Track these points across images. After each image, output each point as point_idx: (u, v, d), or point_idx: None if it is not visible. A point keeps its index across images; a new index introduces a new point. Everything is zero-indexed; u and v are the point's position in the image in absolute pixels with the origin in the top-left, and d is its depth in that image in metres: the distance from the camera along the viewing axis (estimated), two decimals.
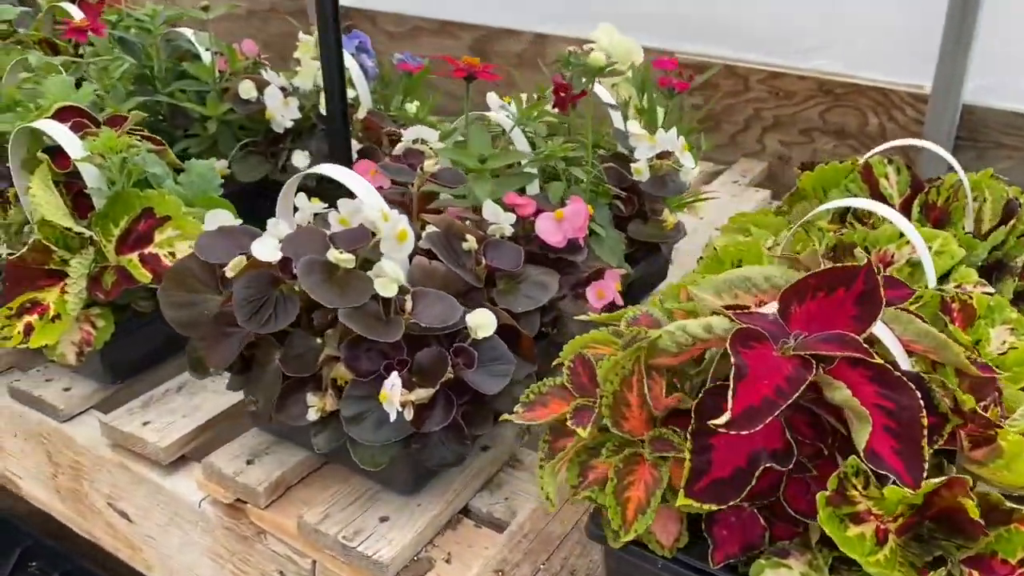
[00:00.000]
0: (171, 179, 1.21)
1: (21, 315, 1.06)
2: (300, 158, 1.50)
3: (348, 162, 1.37)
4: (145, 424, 1.11)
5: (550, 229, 1.01)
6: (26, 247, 1.07)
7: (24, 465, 1.27)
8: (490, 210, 1.00)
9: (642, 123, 1.35)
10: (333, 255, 0.87)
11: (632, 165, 1.22)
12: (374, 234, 0.91)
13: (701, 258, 1.24)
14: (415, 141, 1.02)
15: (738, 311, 0.70)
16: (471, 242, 0.97)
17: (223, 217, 1.01)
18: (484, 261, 0.97)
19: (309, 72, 1.51)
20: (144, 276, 1.10)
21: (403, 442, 0.88)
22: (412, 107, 1.27)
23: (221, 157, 1.67)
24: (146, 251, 1.12)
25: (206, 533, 1.06)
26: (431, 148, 1.02)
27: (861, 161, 1.18)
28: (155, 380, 1.22)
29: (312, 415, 0.90)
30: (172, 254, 1.12)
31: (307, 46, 1.51)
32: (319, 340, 0.92)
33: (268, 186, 1.60)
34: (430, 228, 0.98)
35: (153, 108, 1.71)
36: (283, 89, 1.53)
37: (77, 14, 1.77)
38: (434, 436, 0.89)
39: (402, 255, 0.89)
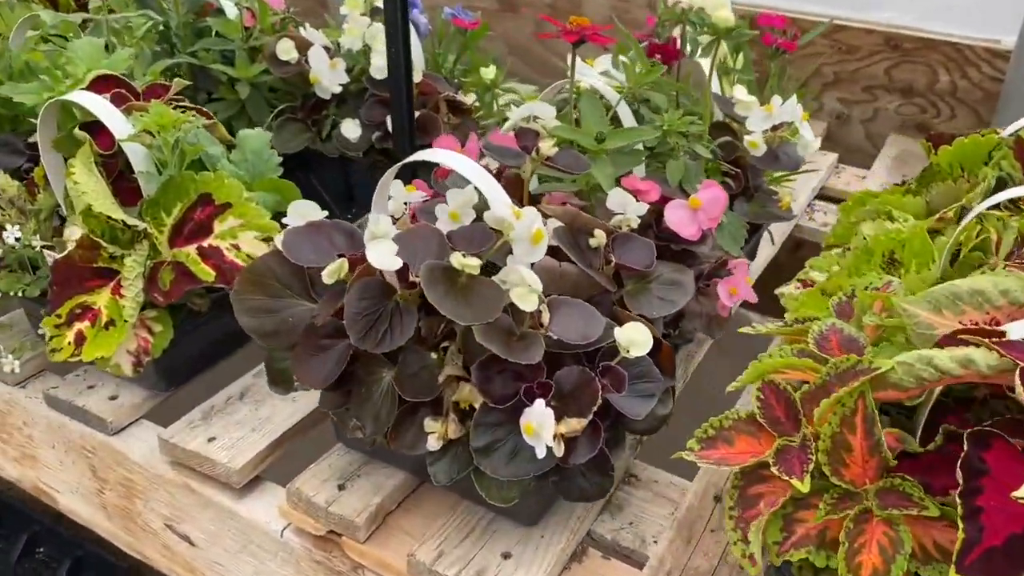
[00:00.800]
0: (225, 158, 1.06)
1: (71, 323, 0.92)
2: (351, 127, 1.35)
3: (412, 134, 1.22)
4: (211, 441, 0.98)
5: (683, 220, 0.88)
6: (74, 244, 0.92)
7: (63, 478, 1.14)
8: (617, 199, 0.86)
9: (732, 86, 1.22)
10: (457, 260, 0.74)
11: (747, 138, 1.09)
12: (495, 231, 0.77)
13: (829, 247, 1.12)
14: (528, 119, 0.88)
15: (1004, 342, 0.58)
16: (600, 237, 0.84)
17: (307, 209, 0.87)
18: (613, 259, 0.84)
19: (357, 30, 1.35)
20: (207, 274, 0.96)
21: (540, 475, 0.76)
22: (489, 72, 1.13)
23: (252, 125, 1.52)
24: (205, 244, 0.98)
25: (287, 564, 0.94)
26: (544, 127, 0.88)
27: (1005, 133, 1.05)
28: (212, 384, 1.09)
29: (433, 443, 0.78)
30: (236, 247, 0.98)
31: (355, 1, 1.35)
32: (433, 355, 0.79)
33: (309, 158, 1.46)
34: (552, 222, 0.85)
35: (169, 69, 1.55)
36: (326, 49, 1.38)
37: None
38: (575, 467, 0.77)
39: (536, 258, 0.76)
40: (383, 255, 0.73)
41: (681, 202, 0.88)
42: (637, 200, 0.90)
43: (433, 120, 1.33)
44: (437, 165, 1.04)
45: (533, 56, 2.25)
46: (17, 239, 1.00)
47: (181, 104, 1.09)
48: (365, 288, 0.75)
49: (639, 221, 0.88)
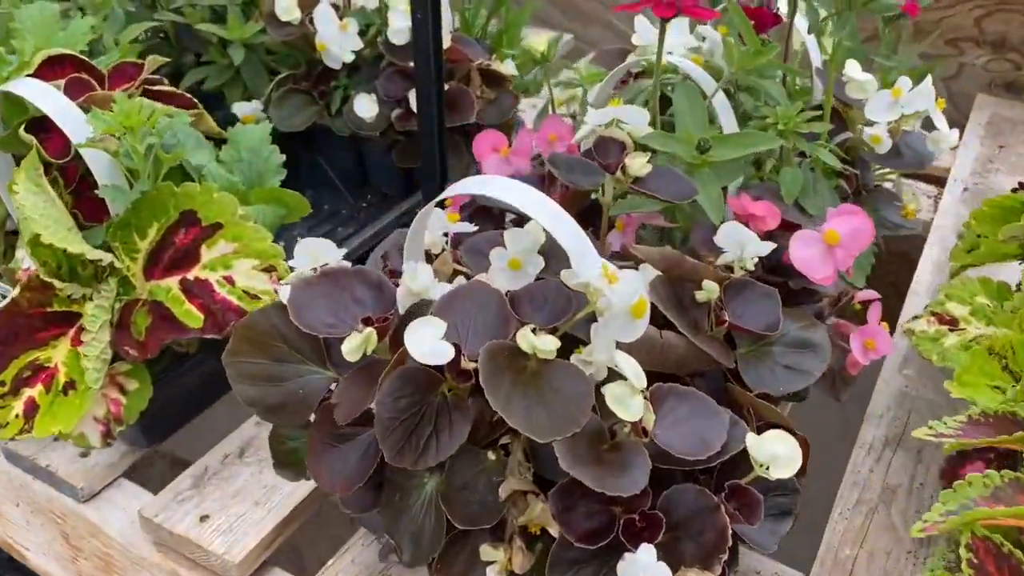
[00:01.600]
0: (213, 160, 0.84)
1: (18, 389, 0.71)
2: (365, 104, 1.13)
3: (441, 113, 1.00)
4: (203, 520, 0.79)
5: (815, 260, 0.66)
6: (19, 287, 0.71)
7: (32, 539, 0.96)
8: (732, 236, 0.65)
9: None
10: (527, 340, 0.54)
11: (868, 131, 0.86)
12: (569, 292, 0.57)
13: (962, 267, 0.90)
14: (606, 125, 0.66)
15: None
16: (710, 290, 0.63)
17: (322, 249, 0.66)
18: (725, 317, 0.63)
19: None
20: (192, 318, 0.75)
21: None
22: (540, 43, 0.90)
23: (247, 95, 1.29)
24: (190, 276, 0.77)
25: None
26: (631, 137, 0.66)
27: None
28: (203, 436, 0.89)
29: None
30: (229, 280, 0.77)
31: None
32: (490, 455, 0.59)
33: (315, 133, 1.24)
34: (647, 269, 0.64)
35: (149, 30, 1.32)
36: (335, 7, 1.14)
37: None
38: None
39: (635, 336, 0.55)
40: (428, 344, 0.52)
41: (812, 235, 0.67)
42: (748, 226, 0.68)
43: (465, 95, 1.11)
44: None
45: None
46: None
47: (156, 89, 0.87)
48: (402, 382, 0.55)
49: (754, 260, 0.66)
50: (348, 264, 0.68)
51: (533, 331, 0.55)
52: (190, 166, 0.81)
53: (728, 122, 0.75)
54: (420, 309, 0.58)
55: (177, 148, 0.79)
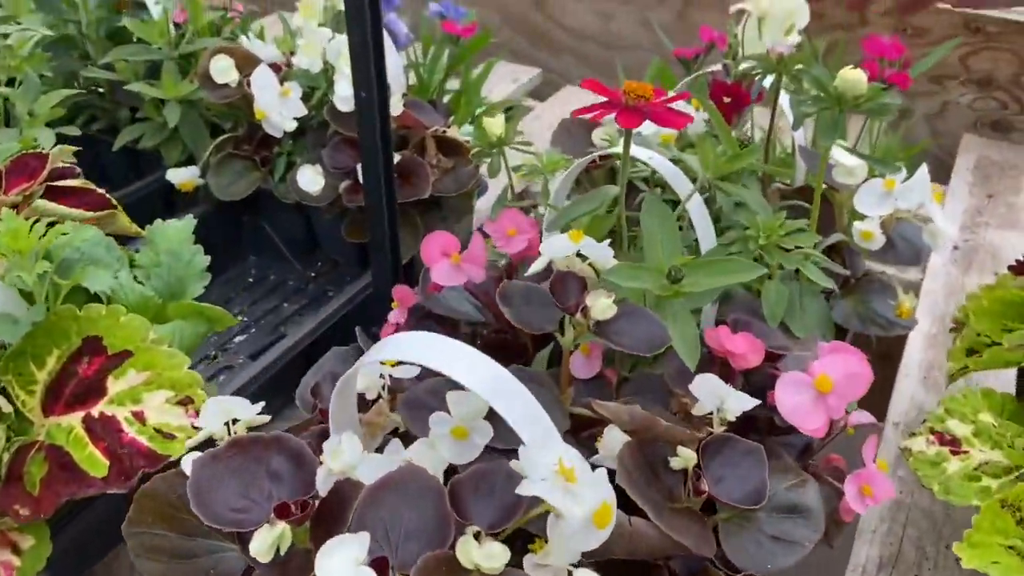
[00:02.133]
0: (126, 268, 0.75)
1: None
2: (310, 177, 1.03)
3: (390, 188, 0.91)
4: None
5: (804, 408, 0.58)
6: None
7: None
8: (709, 389, 0.56)
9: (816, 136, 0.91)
10: (468, 555, 0.44)
11: (858, 226, 0.78)
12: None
13: (961, 370, 0.82)
14: (565, 259, 0.57)
15: None
16: (686, 458, 0.54)
17: (233, 408, 0.57)
18: (704, 487, 0.54)
19: (314, 46, 1.01)
20: (96, 465, 0.65)
21: None
22: (496, 124, 0.80)
23: (188, 154, 1.19)
24: (95, 412, 0.68)
25: None
26: (593, 269, 0.57)
27: None
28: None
29: None
30: (139, 416, 0.67)
31: (310, 7, 1.01)
32: None
33: (260, 196, 1.14)
34: (610, 433, 0.55)
35: (81, 85, 1.22)
36: (277, 68, 1.05)
37: None
38: None
39: (595, 544, 0.46)
40: (343, 569, 0.43)
41: (800, 380, 0.58)
42: (729, 362, 0.60)
43: (419, 167, 1.02)
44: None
45: (532, 27, 1.91)
46: None
47: (63, 186, 0.77)
48: None
49: (738, 412, 0.58)
50: (265, 419, 0.59)
51: (477, 535, 0.46)
52: (96, 276, 0.71)
53: (704, 232, 0.67)
54: (341, 503, 0.49)
55: (80, 263, 0.69)
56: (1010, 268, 0.94)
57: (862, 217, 0.79)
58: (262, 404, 0.58)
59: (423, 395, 0.57)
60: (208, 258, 0.78)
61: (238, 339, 1.07)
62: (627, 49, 1.80)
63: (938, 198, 0.79)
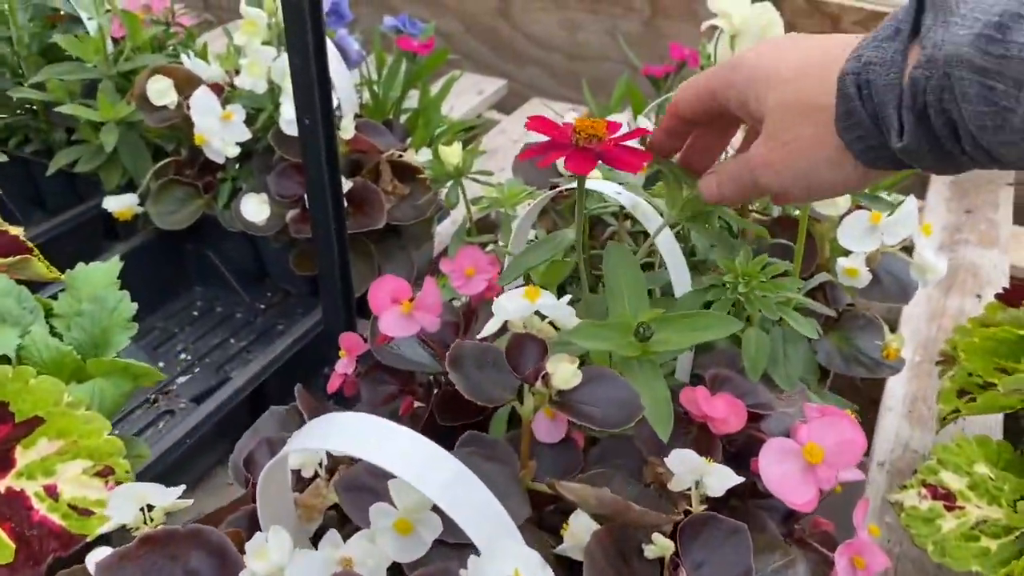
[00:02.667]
0: (40, 320, 0.67)
1: None
2: (254, 206, 0.96)
3: (339, 219, 0.84)
4: None
5: (791, 479, 0.52)
6: None
7: None
8: (683, 462, 0.50)
9: None
10: None
11: (843, 263, 0.73)
12: None
13: (951, 412, 0.77)
14: (525, 326, 0.50)
15: None
16: (662, 546, 0.48)
17: (147, 493, 0.50)
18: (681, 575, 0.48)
19: (259, 66, 0.94)
20: (2, 549, 0.58)
21: None
22: (453, 153, 0.74)
23: (128, 178, 1.12)
24: (1, 487, 0.60)
25: None
26: (553, 328, 0.51)
27: None
28: None
29: None
30: (51, 491, 0.60)
31: (253, 24, 0.94)
32: None
33: (204, 226, 1.07)
34: (576, 519, 0.49)
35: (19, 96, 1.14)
36: (219, 89, 0.97)
37: None
38: None
39: None
40: None
41: (787, 447, 0.52)
42: (708, 426, 0.54)
43: (373, 195, 0.95)
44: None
45: (496, 37, 1.85)
46: None
47: None
48: None
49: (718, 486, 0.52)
50: (187, 503, 0.52)
51: None
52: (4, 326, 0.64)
53: (677, 274, 0.61)
54: None
55: None
56: (998, 297, 0.89)
57: (845, 252, 0.73)
58: (182, 488, 0.51)
59: (364, 477, 0.50)
60: (135, 305, 0.71)
61: (181, 380, 0.99)
62: (594, 60, 1.74)
63: (926, 231, 0.73)
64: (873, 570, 0.57)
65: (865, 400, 0.98)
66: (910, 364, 1.05)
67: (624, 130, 0.53)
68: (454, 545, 0.46)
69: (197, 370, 1.00)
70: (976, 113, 0.40)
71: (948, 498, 0.69)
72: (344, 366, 0.72)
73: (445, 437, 0.65)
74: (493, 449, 0.54)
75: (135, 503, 0.50)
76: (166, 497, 0.50)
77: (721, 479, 0.50)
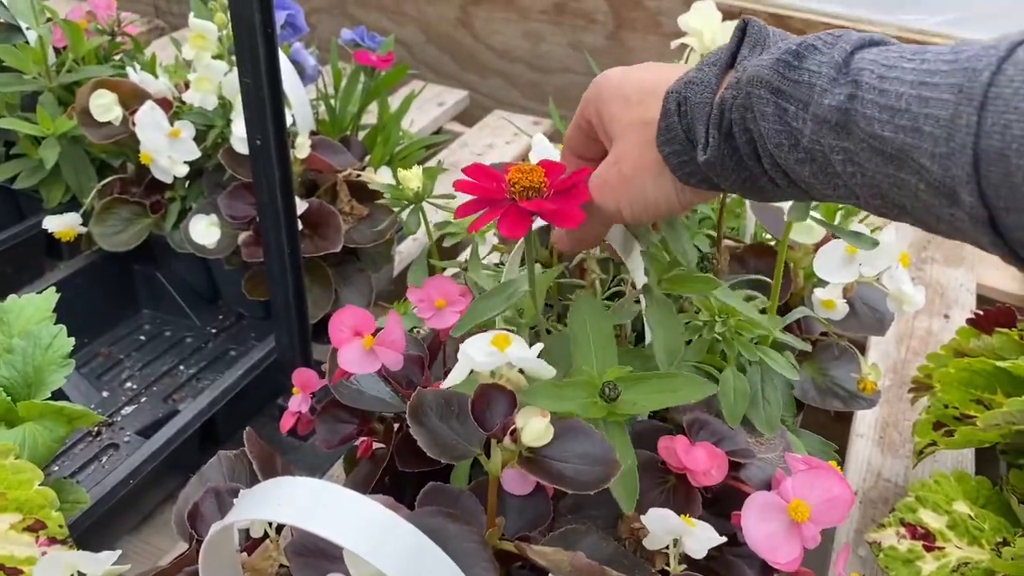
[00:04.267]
0: None
1: None
2: (204, 228, 0.91)
3: (293, 244, 0.80)
4: None
5: (776, 538, 0.49)
6: None
7: None
8: (659, 522, 0.47)
9: None
10: None
11: (819, 294, 0.71)
12: None
13: (928, 445, 0.75)
14: (493, 375, 0.47)
15: None
16: None
17: (77, 562, 0.45)
18: None
19: (209, 81, 0.90)
20: None
21: None
22: (413, 177, 0.69)
23: (72, 194, 1.06)
24: None
25: None
26: (516, 380, 0.47)
27: None
28: None
29: None
30: None
31: (202, 37, 0.89)
32: None
33: (152, 246, 1.02)
34: None
35: None
36: (167, 104, 0.93)
37: None
38: None
39: None
40: None
41: (771, 504, 0.49)
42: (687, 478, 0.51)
43: (330, 216, 0.91)
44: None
45: (458, 47, 1.81)
46: None
47: None
48: None
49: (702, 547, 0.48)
50: (122, 570, 0.47)
51: None
52: None
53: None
54: None
55: None
56: (970, 322, 0.87)
57: (820, 280, 0.71)
58: (117, 553, 0.47)
59: (317, 540, 0.46)
60: (72, 340, 0.66)
61: (126, 410, 0.94)
62: (557, 72, 1.71)
63: (904, 262, 0.71)
64: None
65: (835, 426, 0.96)
66: (880, 388, 1.03)
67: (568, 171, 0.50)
68: None
69: (144, 399, 0.95)
70: (773, 131, 0.43)
71: (927, 538, 0.66)
72: (298, 404, 0.68)
73: (406, 481, 0.61)
74: (457, 504, 0.51)
75: (63, 573, 0.45)
76: (98, 566, 0.45)
77: (701, 541, 0.47)
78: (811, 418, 0.83)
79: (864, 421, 0.98)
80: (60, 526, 0.57)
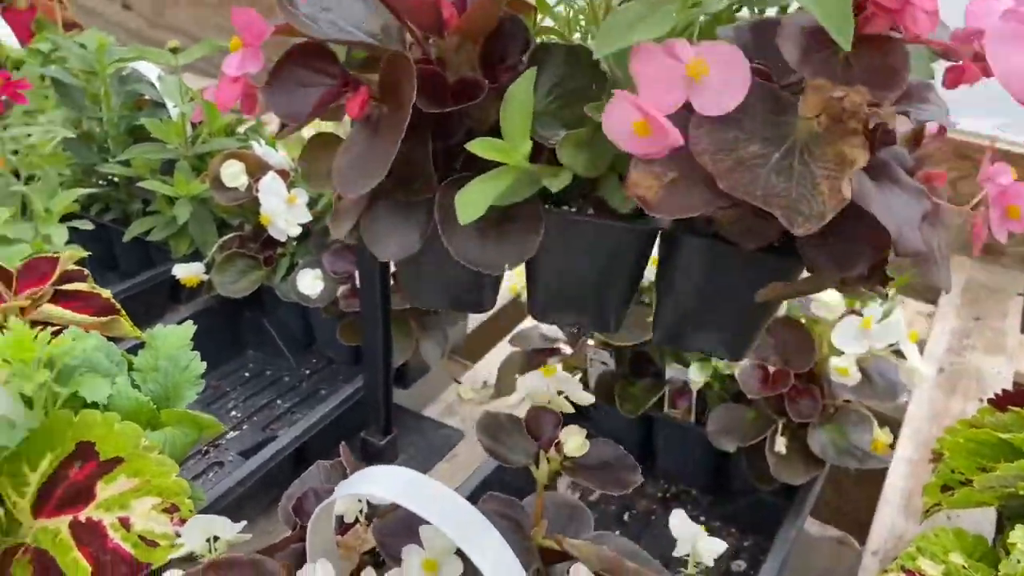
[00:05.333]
0: (124, 373, 0.77)
1: None
2: (309, 280, 1.06)
3: (385, 299, 0.94)
4: None
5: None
6: None
7: None
8: (682, 528, 0.58)
9: None
10: None
11: (835, 361, 0.81)
12: None
13: (933, 505, 0.84)
14: (541, 396, 0.58)
15: None
16: None
17: (215, 525, 0.59)
18: None
19: None
20: (80, 570, 0.67)
21: None
22: None
23: (195, 247, 1.23)
24: (82, 516, 0.69)
25: None
26: (567, 400, 0.59)
27: None
28: None
29: None
30: (124, 522, 0.69)
31: None
32: None
33: (261, 295, 1.18)
34: (576, 571, 0.56)
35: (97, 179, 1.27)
36: (285, 175, 1.09)
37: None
38: None
39: None
40: None
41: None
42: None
43: None
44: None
45: None
46: None
47: (71, 290, 0.81)
48: None
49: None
50: (246, 538, 0.60)
51: None
52: (91, 385, 0.74)
53: None
54: None
55: (80, 370, 0.72)
56: (990, 401, 0.96)
57: (839, 352, 0.81)
58: (244, 523, 0.60)
59: (398, 524, 0.59)
60: (204, 364, 0.81)
61: (231, 435, 1.09)
62: None
63: (913, 337, 0.81)
64: None
65: (856, 490, 1.05)
66: (910, 461, 1.11)
67: None
68: None
69: (245, 427, 1.10)
70: None
71: None
72: (239, 61, 0.48)
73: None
74: (511, 509, 0.62)
75: (205, 533, 0.58)
76: (231, 530, 0.59)
77: (711, 546, 0.58)
78: (835, 483, 0.93)
79: (893, 489, 1.06)
80: (190, 511, 0.71)
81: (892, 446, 1.06)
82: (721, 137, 0.41)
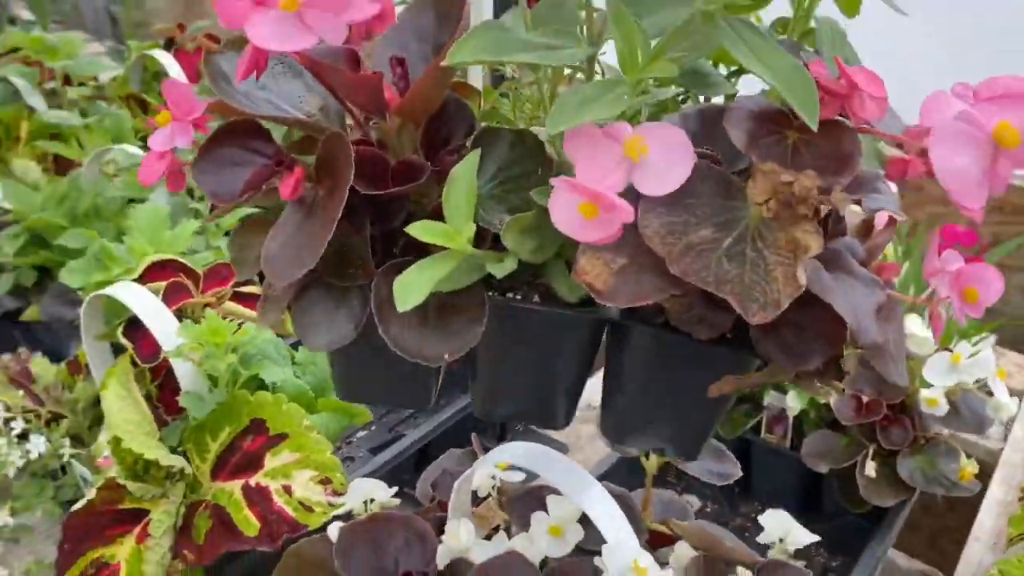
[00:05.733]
0: (288, 364, 0.90)
1: None
2: None
3: None
4: None
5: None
6: (96, 488, 0.77)
7: None
8: (774, 521, 0.66)
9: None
10: None
11: (925, 393, 0.87)
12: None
13: (1016, 535, 0.89)
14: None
15: None
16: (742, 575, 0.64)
17: (372, 489, 0.70)
18: None
19: None
20: (250, 526, 0.79)
21: None
22: None
23: None
24: (252, 482, 0.82)
25: None
26: None
27: None
28: None
29: None
30: (287, 489, 0.81)
31: None
32: None
33: None
34: (680, 548, 0.65)
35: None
36: None
37: (171, 66, 1.49)
38: None
39: None
40: None
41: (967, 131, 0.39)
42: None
43: None
44: None
45: None
46: (41, 453, 0.86)
47: (246, 291, 0.94)
48: None
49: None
50: (397, 502, 0.71)
51: None
52: (267, 370, 0.86)
53: None
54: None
55: (256, 359, 0.85)
56: None
57: (930, 385, 0.87)
58: (395, 489, 0.71)
59: (527, 496, 0.69)
60: None
61: (360, 434, 1.21)
62: None
63: (1001, 375, 0.87)
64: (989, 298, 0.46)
65: (948, 516, 1.09)
66: (1002, 503, 1.14)
67: None
68: (591, 551, 0.63)
69: (374, 428, 1.22)
70: None
71: None
72: (167, 137, 0.48)
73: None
74: (623, 497, 0.71)
75: (364, 495, 0.69)
76: (386, 494, 0.69)
77: (802, 535, 0.66)
78: (924, 512, 0.97)
79: (982, 528, 1.10)
80: (341, 484, 0.82)
81: (984, 488, 1.10)
82: (670, 220, 0.41)
